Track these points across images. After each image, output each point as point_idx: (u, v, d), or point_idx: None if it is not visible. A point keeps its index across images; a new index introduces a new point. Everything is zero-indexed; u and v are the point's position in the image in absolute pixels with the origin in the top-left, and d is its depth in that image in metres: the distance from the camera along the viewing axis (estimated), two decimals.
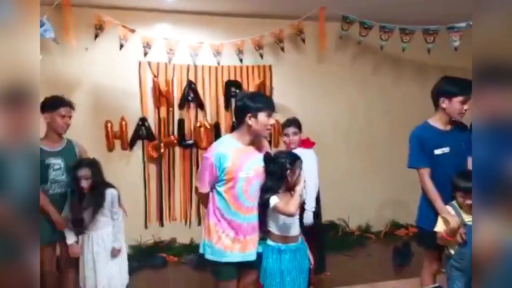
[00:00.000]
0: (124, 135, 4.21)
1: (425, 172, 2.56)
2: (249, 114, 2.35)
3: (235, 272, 2.44)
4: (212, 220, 2.42)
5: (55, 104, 2.97)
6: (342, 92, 4.86)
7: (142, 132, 4.27)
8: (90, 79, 4.13)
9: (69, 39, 3.74)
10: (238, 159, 2.36)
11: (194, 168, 4.39)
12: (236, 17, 4.38)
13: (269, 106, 2.38)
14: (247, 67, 4.50)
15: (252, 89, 4.52)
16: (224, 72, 4.45)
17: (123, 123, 4.20)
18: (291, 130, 3.28)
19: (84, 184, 2.76)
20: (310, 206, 3.18)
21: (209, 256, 2.42)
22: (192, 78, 4.36)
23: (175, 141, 4.36)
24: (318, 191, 3.32)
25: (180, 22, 4.29)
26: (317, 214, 3.28)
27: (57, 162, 2.98)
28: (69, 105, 3.02)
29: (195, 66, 4.33)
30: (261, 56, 4.37)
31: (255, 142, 2.45)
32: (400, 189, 4.69)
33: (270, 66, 4.58)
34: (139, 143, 4.30)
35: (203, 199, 2.52)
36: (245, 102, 2.38)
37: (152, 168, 4.37)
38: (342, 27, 4.29)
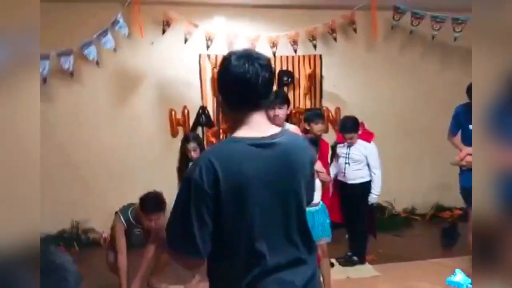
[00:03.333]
0: (186, 122, 4.54)
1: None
2: None
3: None
4: None
5: (145, 210, 2.94)
6: (390, 79, 5.00)
7: (202, 119, 4.58)
8: (156, 71, 4.46)
9: (138, 35, 4.07)
10: None
11: None
12: (291, 9, 4.56)
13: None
14: (299, 57, 4.72)
15: (303, 78, 4.75)
16: (278, 62, 4.68)
17: (185, 111, 4.53)
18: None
19: (194, 154, 3.13)
20: (377, 191, 3.70)
21: None
22: None
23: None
24: None
25: (239, 16, 4.52)
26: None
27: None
28: (160, 209, 2.93)
29: None
30: (314, 46, 4.57)
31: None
32: (445, 173, 4.83)
33: (320, 56, 4.78)
34: (199, 130, 4.62)
35: None
36: None
37: None
38: (394, 17, 4.43)
